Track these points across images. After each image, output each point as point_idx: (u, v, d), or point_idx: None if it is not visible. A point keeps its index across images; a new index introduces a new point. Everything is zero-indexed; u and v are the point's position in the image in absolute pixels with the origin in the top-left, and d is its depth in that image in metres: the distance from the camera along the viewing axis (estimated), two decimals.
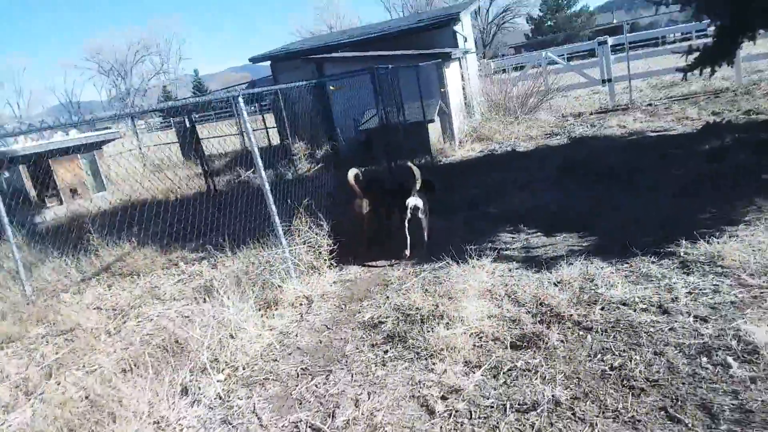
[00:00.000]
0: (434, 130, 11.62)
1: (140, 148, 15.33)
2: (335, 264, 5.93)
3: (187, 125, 13.16)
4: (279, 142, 14.92)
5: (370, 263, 5.98)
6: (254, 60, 15.79)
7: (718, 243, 4.75)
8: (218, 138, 15.31)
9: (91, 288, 6.29)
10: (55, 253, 6.94)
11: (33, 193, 10.91)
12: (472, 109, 15.05)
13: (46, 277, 6.45)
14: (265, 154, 11.44)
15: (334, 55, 13.80)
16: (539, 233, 6.01)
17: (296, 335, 4.53)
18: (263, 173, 5.09)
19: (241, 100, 5.09)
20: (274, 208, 5.15)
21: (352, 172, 6.24)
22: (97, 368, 4.25)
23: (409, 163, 6.29)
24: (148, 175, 11.82)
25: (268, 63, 15.65)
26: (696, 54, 9.01)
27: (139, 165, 12.84)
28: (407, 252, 5.95)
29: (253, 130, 14.33)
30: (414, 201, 6.10)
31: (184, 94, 69.64)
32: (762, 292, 3.95)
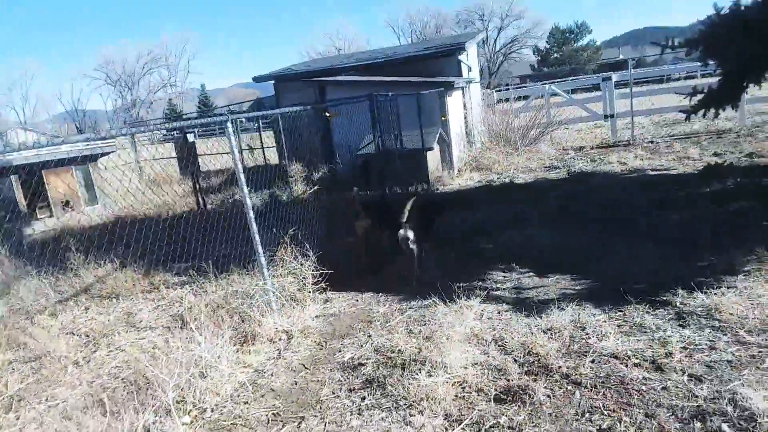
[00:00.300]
0: (433, 158, 11.49)
1: (137, 162, 15.18)
2: (320, 294, 5.74)
3: (188, 139, 13.06)
4: (278, 162, 14.82)
5: (357, 292, 5.81)
6: (258, 79, 15.75)
7: (716, 295, 4.57)
8: (217, 155, 15.24)
9: (69, 310, 6.08)
10: (35, 271, 6.73)
11: (24, 204, 10.74)
12: (473, 138, 14.96)
13: (23, 297, 6.24)
14: (260, 174, 11.34)
15: (336, 78, 13.74)
16: (532, 273, 5.82)
17: (272, 374, 4.32)
18: (248, 201, 4.92)
19: (230, 125, 4.94)
20: (257, 237, 4.97)
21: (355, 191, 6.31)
22: (59, 403, 4.03)
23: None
24: (143, 189, 11.64)
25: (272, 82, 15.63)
26: (700, 96, 8.90)
27: (135, 179, 12.67)
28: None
29: (253, 149, 14.22)
30: (404, 232, 6.00)
31: (190, 108, 69.94)
32: (760, 352, 3.76)
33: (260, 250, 4.98)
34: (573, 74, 53.48)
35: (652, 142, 14.33)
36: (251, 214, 4.94)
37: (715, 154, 11.50)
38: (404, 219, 5.97)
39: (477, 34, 18.23)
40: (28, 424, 3.69)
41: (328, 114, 11.26)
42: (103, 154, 12.37)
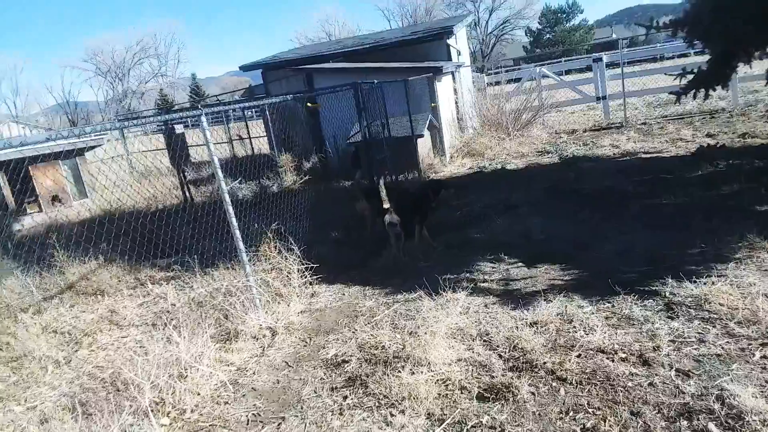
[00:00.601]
0: (423, 145, 11.36)
1: (128, 154, 15.00)
2: (307, 289, 5.65)
3: (175, 131, 12.90)
4: (269, 152, 14.68)
5: (344, 285, 5.74)
6: (245, 68, 15.56)
7: (705, 284, 4.48)
8: (202, 145, 15.03)
9: (54, 307, 5.98)
10: (20, 268, 6.62)
11: (11, 200, 10.60)
12: (464, 123, 14.82)
13: (5, 295, 6.14)
14: (248, 164, 11.20)
15: (323, 66, 13.55)
16: (520, 263, 5.73)
17: (254, 373, 4.23)
18: (227, 196, 4.80)
19: (203, 119, 4.81)
20: (237, 233, 4.85)
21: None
22: (38, 404, 3.95)
23: (381, 182, 6.32)
24: (131, 182, 11.50)
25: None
26: (690, 76, 8.77)
27: (123, 172, 12.51)
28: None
29: (243, 138, 14.05)
30: (389, 218, 6.09)
31: (182, 97, 69.41)
32: (750, 344, 3.68)
33: (241, 246, 4.87)
34: (566, 55, 53.09)
35: (645, 123, 14.22)
36: (231, 210, 4.82)
37: (708, 135, 11.40)
38: (387, 205, 6.09)
39: (465, 16, 18.01)
40: (5, 428, 3.60)
41: (309, 105, 11.08)
42: (90, 148, 12.22)
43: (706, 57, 8.25)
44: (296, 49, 20.50)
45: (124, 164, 13.80)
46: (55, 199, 11.18)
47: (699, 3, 6.77)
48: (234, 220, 4.84)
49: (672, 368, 3.54)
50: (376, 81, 9.16)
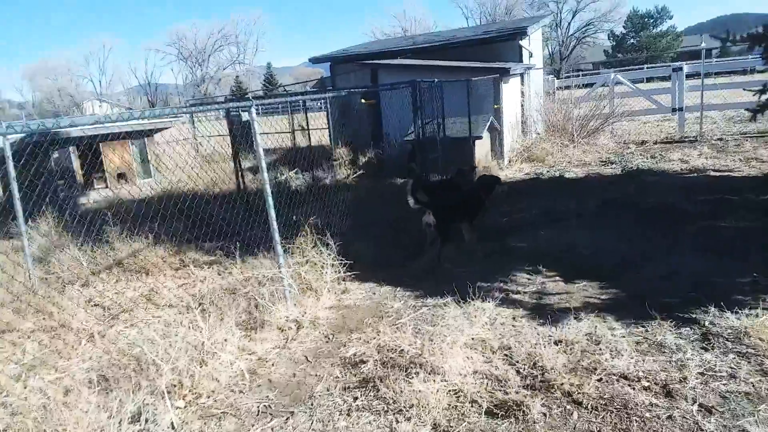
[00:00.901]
0: (482, 147, 11.20)
1: (195, 138, 15.51)
2: (339, 285, 5.69)
3: (243, 119, 13.21)
4: (328, 144, 14.85)
5: (377, 284, 5.75)
6: (314, 60, 15.75)
7: (748, 316, 4.23)
8: (274, 134, 15.34)
9: (101, 282, 6.28)
10: (76, 241, 6.97)
11: (80, 174, 11.17)
12: (528, 127, 14.52)
13: (58, 267, 6.48)
14: (305, 155, 11.36)
15: (388, 62, 13.56)
16: (558, 278, 5.57)
17: (273, 364, 4.31)
18: (267, 187, 4.89)
19: (253, 110, 4.92)
20: (275, 224, 4.94)
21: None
22: (65, 376, 4.16)
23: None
24: (193, 165, 11.87)
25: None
26: None
27: (187, 155, 12.92)
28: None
29: (305, 129, 14.24)
30: (426, 218, 6.23)
31: (256, 85, 71.26)
32: None
33: (277, 237, 4.96)
34: (649, 62, 51.12)
35: (720, 139, 13.50)
36: (270, 201, 4.91)
37: None
38: (412, 202, 6.20)
39: (542, 17, 17.59)
40: (32, 395, 3.81)
41: (364, 101, 11.11)
42: (158, 130, 12.70)
43: None
44: (366, 44, 20.61)
45: (189, 148, 14.25)
46: (121, 176, 11.69)
47: None
48: (272, 211, 4.93)
49: (695, 402, 3.36)
50: (436, 80, 9.10)
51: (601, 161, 12.06)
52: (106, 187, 11.25)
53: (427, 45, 15.42)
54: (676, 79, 15.03)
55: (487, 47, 14.53)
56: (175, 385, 3.84)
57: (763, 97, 8.48)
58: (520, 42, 14.48)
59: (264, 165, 4.97)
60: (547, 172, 11.16)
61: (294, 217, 6.11)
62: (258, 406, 3.77)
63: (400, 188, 7.49)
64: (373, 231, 7.18)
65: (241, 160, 9.46)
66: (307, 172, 10.83)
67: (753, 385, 3.49)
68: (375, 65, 13.23)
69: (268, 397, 3.88)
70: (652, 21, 65.03)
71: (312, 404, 3.75)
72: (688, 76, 15.70)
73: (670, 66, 19.51)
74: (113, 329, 4.99)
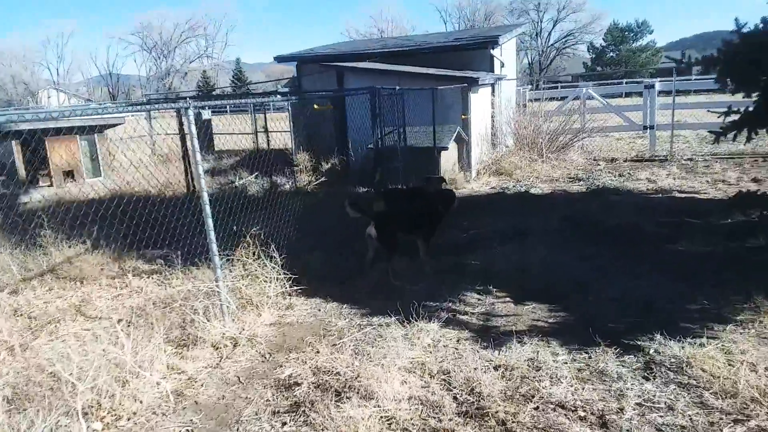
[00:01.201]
0: (448, 158, 11.10)
1: (151, 137, 15.07)
2: (284, 300, 5.51)
3: (203, 117, 12.92)
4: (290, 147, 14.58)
5: (324, 300, 5.58)
6: (280, 59, 15.43)
7: (692, 345, 4.14)
8: (233, 134, 14.99)
9: (30, 290, 5.98)
10: (10, 244, 6.66)
11: (23, 171, 10.71)
12: (498, 139, 14.45)
13: None
14: (264, 159, 11.07)
15: (354, 65, 13.34)
16: (508, 299, 5.46)
17: (202, 385, 4.11)
18: (205, 195, 4.70)
19: (191, 112, 4.74)
20: (212, 234, 4.75)
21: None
22: None
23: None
24: (149, 165, 11.50)
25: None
26: (735, 116, 8.21)
27: (140, 154, 12.48)
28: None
29: (268, 131, 13.91)
30: (369, 229, 6.04)
31: (225, 80, 70.32)
32: (721, 419, 3.36)
33: (214, 248, 4.77)
34: (628, 77, 51.65)
35: (691, 159, 13.53)
36: (207, 209, 4.72)
37: (754, 180, 10.78)
38: (350, 211, 6.06)
39: (515, 27, 17.58)
40: None
41: (316, 107, 10.93)
42: (110, 126, 12.22)
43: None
44: (334, 45, 20.35)
45: (145, 146, 13.83)
46: (67, 174, 11.24)
47: (738, 43, 6.29)
48: (210, 220, 4.74)
49: None
50: (397, 87, 8.97)
51: (569, 177, 12.03)
52: (51, 185, 10.82)
53: (397, 49, 15.28)
54: (647, 96, 15.10)
55: (458, 54, 14.43)
56: (92, 406, 3.63)
57: (728, 120, 8.47)
58: (491, 51, 14.40)
59: (201, 171, 4.76)
60: (514, 186, 11.08)
61: (242, 226, 5.90)
62: (180, 430, 3.59)
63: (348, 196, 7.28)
64: (327, 241, 7.01)
65: (189, 162, 9.19)
66: (267, 177, 10.61)
67: (690, 419, 3.39)
68: (341, 68, 13.01)
69: (192, 420, 3.69)
70: (632, 35, 65.64)
71: (238, 429, 3.58)
72: (661, 93, 15.78)
73: (639, 82, 19.66)
74: (37, 341, 4.74)
